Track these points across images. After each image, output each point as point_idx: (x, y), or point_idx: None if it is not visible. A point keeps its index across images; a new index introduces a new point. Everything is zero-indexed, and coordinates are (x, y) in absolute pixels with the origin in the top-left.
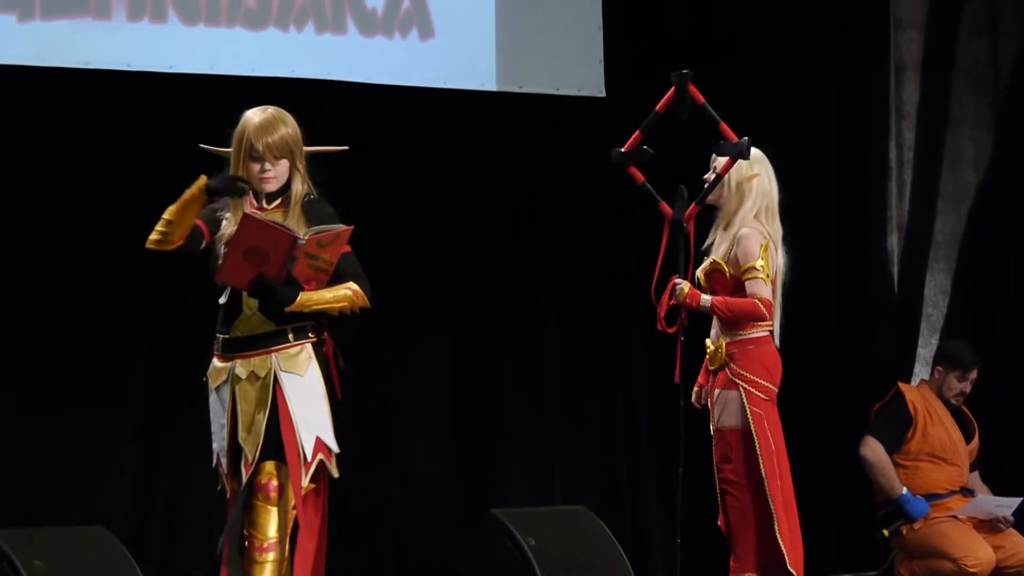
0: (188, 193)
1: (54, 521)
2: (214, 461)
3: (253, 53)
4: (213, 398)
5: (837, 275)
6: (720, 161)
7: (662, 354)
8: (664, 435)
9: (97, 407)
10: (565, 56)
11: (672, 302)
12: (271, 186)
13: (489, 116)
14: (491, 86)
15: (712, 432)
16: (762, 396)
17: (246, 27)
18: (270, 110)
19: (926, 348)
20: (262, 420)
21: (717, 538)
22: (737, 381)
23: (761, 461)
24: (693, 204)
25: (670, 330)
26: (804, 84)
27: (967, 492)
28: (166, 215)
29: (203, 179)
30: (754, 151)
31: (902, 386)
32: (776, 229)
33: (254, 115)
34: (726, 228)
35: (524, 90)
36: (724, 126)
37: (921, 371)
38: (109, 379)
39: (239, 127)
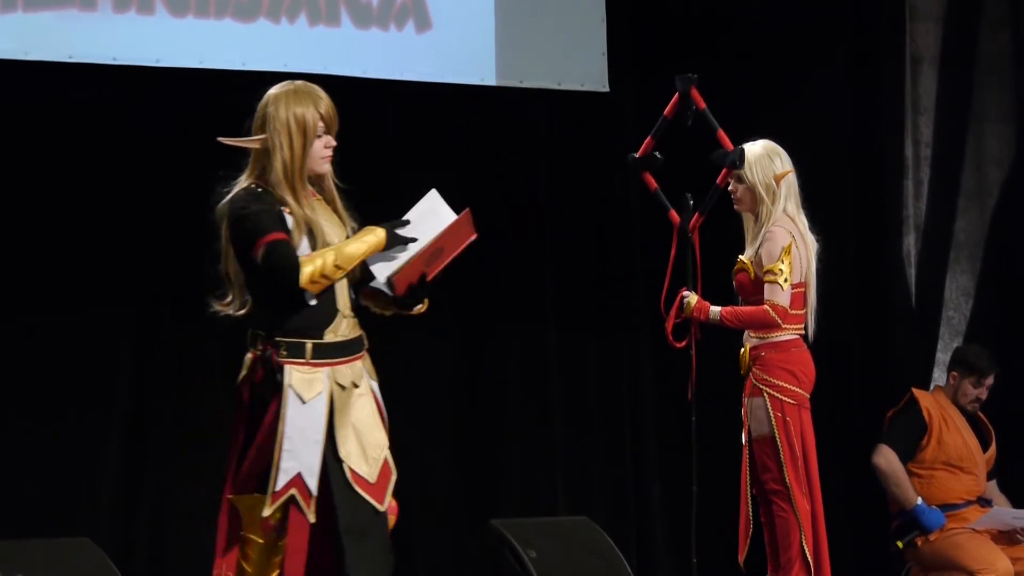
0: (369, 246)
1: (38, 533)
2: (279, 483)
3: (244, 46)
4: (295, 410)
5: (853, 276)
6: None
7: (670, 364)
8: (671, 447)
9: (80, 416)
10: (567, 49)
11: (681, 317)
12: (328, 164)
13: (489, 112)
14: (491, 80)
15: (743, 442)
16: (789, 401)
17: (236, 19)
18: (299, 82)
19: (946, 353)
20: (381, 435)
21: (728, 555)
22: (761, 387)
23: (785, 469)
24: (697, 214)
25: (678, 345)
26: (817, 79)
27: (984, 502)
28: (340, 262)
29: (383, 233)
30: (772, 145)
31: (916, 392)
32: (803, 219)
33: (310, 89)
34: (756, 227)
35: (525, 85)
36: (722, 133)
37: (940, 376)
38: (92, 387)
39: (298, 109)
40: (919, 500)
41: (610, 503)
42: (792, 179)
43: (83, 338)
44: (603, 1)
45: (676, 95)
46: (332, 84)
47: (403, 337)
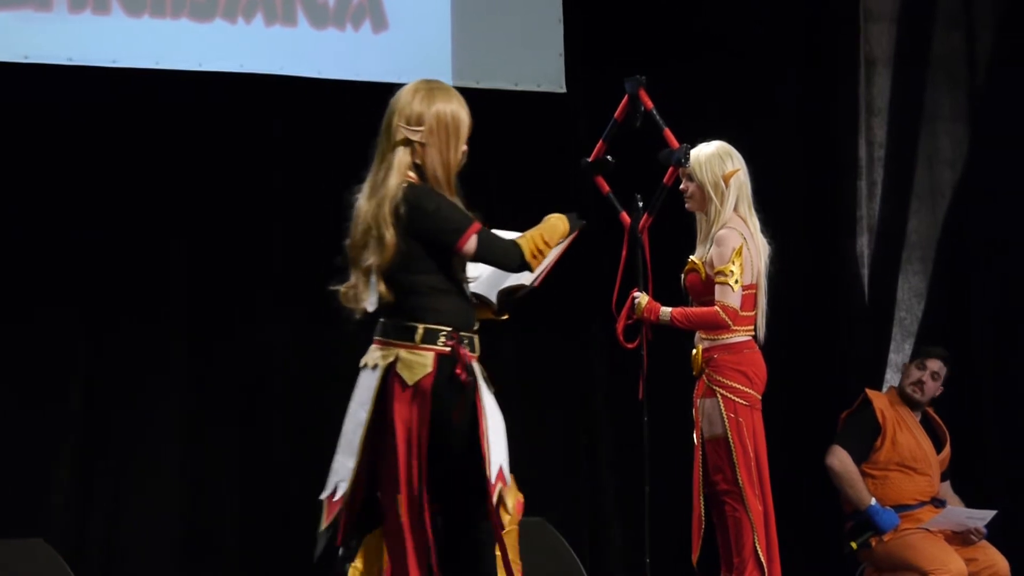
0: (564, 227)
1: None
2: (492, 477)
3: (200, 46)
4: (490, 405)
5: (806, 277)
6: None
7: (625, 366)
8: (624, 447)
9: (33, 417)
10: (524, 50)
11: (632, 318)
12: None
13: None
14: (447, 81)
15: (696, 443)
16: (741, 402)
17: (193, 19)
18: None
19: (899, 354)
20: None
21: (682, 555)
22: (714, 388)
23: (738, 470)
24: (646, 214)
25: (629, 346)
26: (771, 79)
27: (938, 503)
28: (546, 238)
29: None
30: (724, 145)
31: (870, 393)
32: (755, 221)
33: (451, 88)
34: (708, 227)
35: (481, 85)
36: (668, 132)
37: (893, 378)
38: (44, 388)
39: (451, 105)
40: (873, 501)
41: (564, 504)
42: (743, 179)
43: (36, 339)
44: (560, 2)
45: (626, 97)
46: (288, 84)
47: (357, 336)
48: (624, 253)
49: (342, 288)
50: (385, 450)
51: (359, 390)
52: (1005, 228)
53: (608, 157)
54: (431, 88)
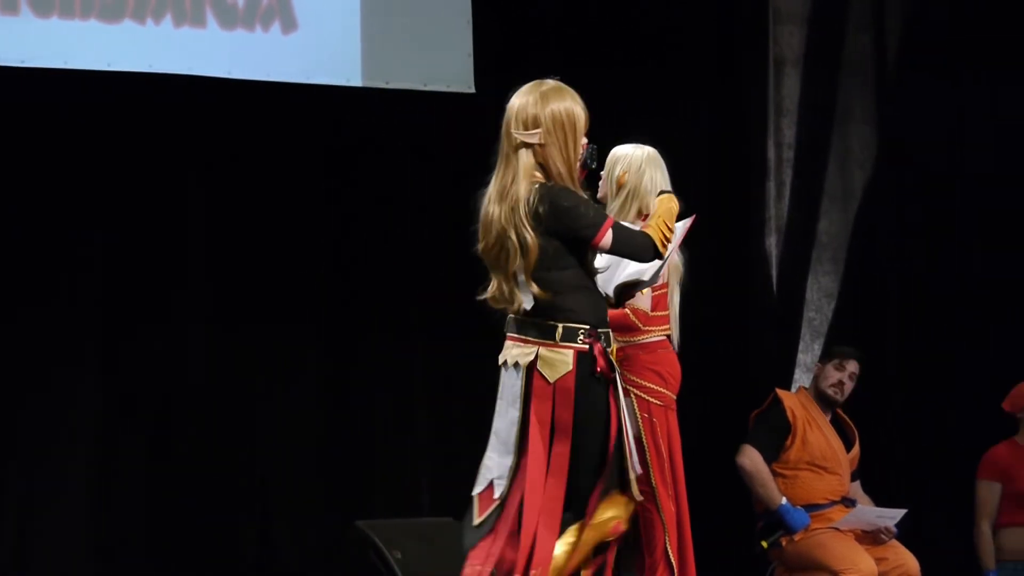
0: (689, 221)
1: None
2: (637, 468)
3: (109, 47)
4: (623, 398)
5: (715, 278)
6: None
7: None
8: None
9: None
10: (433, 50)
11: None
12: None
13: (355, 113)
14: (356, 81)
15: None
16: (656, 402)
17: (102, 19)
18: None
19: (807, 354)
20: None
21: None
22: (628, 387)
23: (651, 470)
24: None
25: None
26: (681, 80)
27: (848, 502)
28: (668, 223)
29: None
30: (648, 150)
31: (780, 392)
32: None
33: (565, 88)
34: None
35: (391, 86)
36: None
37: (802, 377)
38: None
39: (564, 104)
40: (783, 500)
41: None
42: (634, 183)
43: None
44: (470, 2)
45: None
46: (198, 85)
47: (272, 339)
48: None
49: (488, 295)
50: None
51: (505, 388)
52: (915, 228)
53: None
54: (543, 89)
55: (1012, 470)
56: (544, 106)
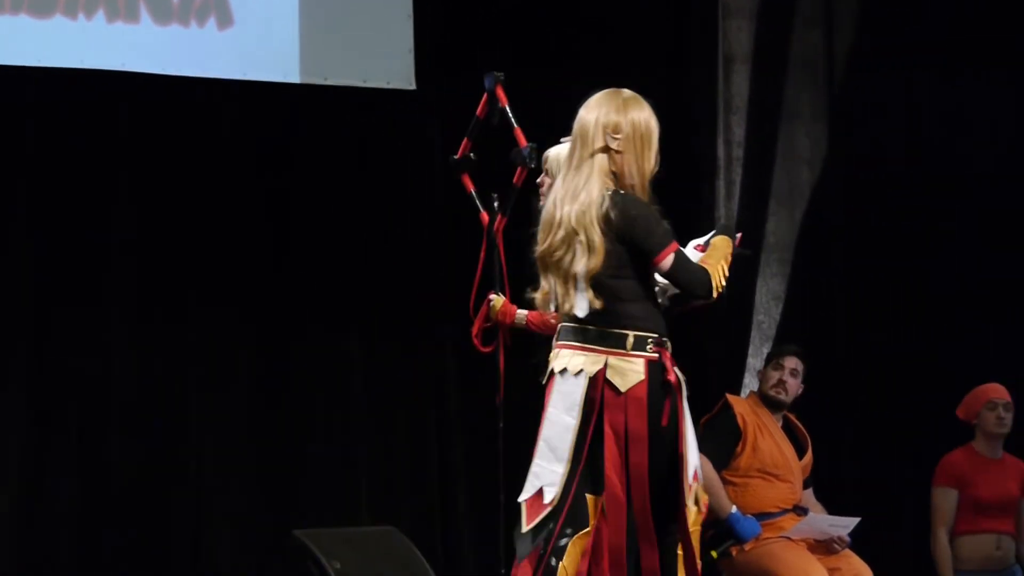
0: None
1: None
2: (690, 477)
3: (40, 42)
4: (687, 407)
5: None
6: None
7: (480, 371)
8: (479, 455)
9: None
10: (373, 46)
11: (488, 322)
12: None
13: (292, 110)
14: (294, 78)
15: None
16: None
17: (32, 14)
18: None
19: (757, 358)
20: None
21: None
22: None
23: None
24: (499, 215)
25: (485, 350)
26: (628, 76)
27: (800, 511)
28: (723, 278)
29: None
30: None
31: (730, 398)
32: None
33: (643, 100)
34: None
35: (329, 82)
36: (518, 131)
37: (752, 382)
38: None
39: (644, 114)
40: (733, 509)
41: (416, 512)
42: None
43: None
44: None
45: (485, 94)
46: (132, 82)
47: (205, 339)
48: (482, 255)
49: (538, 295)
50: (595, 455)
51: (560, 396)
52: (865, 229)
53: (471, 155)
54: (624, 96)
55: (969, 476)
56: (626, 113)
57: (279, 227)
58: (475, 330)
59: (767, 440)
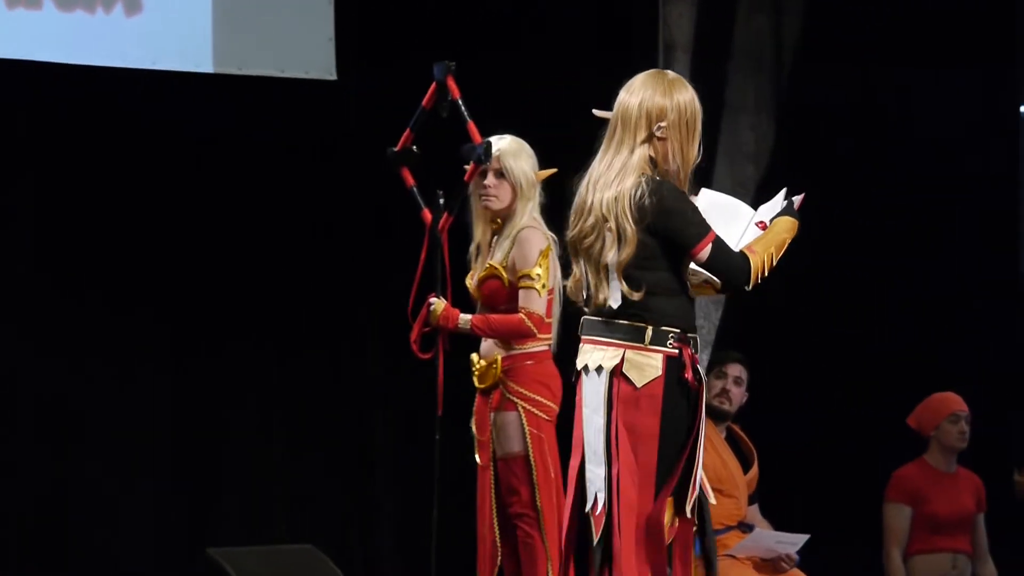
0: (793, 230)
1: None
2: (693, 492)
3: None
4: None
5: None
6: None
7: (406, 381)
8: (404, 469)
9: None
10: (291, 34)
11: (428, 327)
12: None
13: (205, 101)
14: (207, 67)
15: (479, 462)
16: (543, 416)
17: None
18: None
19: None
20: None
21: None
22: (515, 400)
23: (538, 491)
24: (446, 214)
25: (424, 356)
26: (565, 65)
27: (745, 527)
28: (776, 254)
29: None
30: (520, 140)
31: None
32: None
33: (686, 82)
34: (506, 228)
35: (244, 72)
36: (472, 126)
37: None
38: None
39: (688, 96)
40: None
41: (336, 530)
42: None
43: None
44: None
45: (433, 84)
46: (35, 71)
47: (117, 351)
48: (423, 255)
49: (569, 284)
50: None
51: (587, 395)
52: (810, 227)
53: (414, 147)
54: (669, 78)
55: (923, 492)
56: (672, 96)
57: (192, 227)
58: (413, 335)
59: (710, 453)
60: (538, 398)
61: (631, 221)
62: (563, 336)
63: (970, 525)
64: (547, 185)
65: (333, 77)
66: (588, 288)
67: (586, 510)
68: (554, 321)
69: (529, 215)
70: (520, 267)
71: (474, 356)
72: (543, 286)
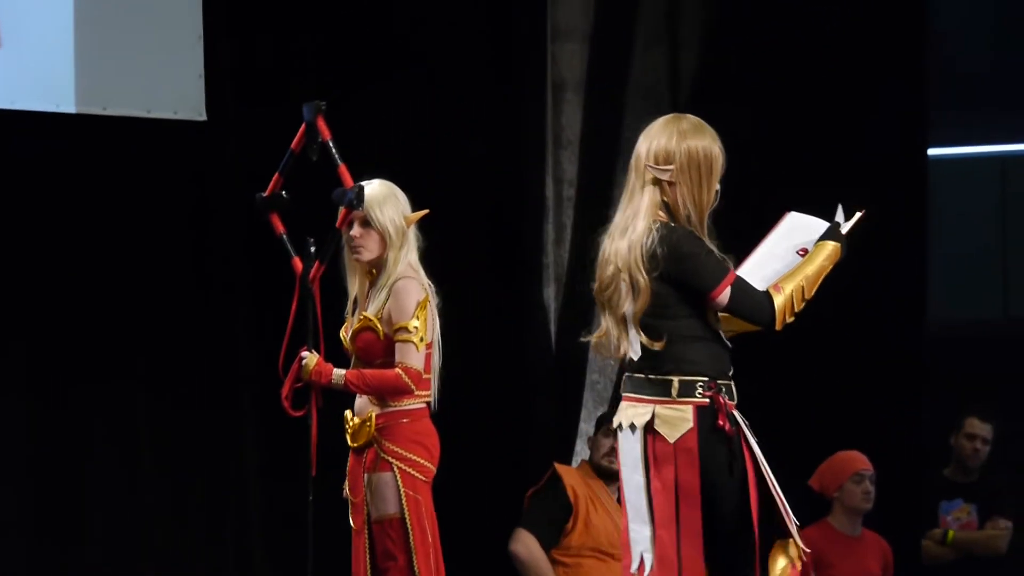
0: (832, 262)
1: None
2: (790, 521)
3: None
4: (758, 452)
5: (484, 335)
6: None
7: (282, 436)
8: (279, 528)
9: None
10: (158, 71)
11: (300, 382)
12: None
13: (67, 143)
14: (69, 107)
15: (353, 526)
16: (420, 477)
17: None
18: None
19: (590, 423)
20: None
21: None
22: (390, 460)
23: (415, 556)
24: (317, 262)
25: (296, 413)
26: (446, 105)
27: None
28: (809, 292)
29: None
30: (390, 184)
31: (559, 468)
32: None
33: (706, 127)
34: (380, 278)
35: (108, 112)
36: (343, 169)
37: (584, 450)
38: None
39: (703, 142)
40: None
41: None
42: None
43: None
44: (200, 17)
45: (303, 125)
46: None
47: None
48: (294, 306)
49: (593, 337)
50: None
51: (624, 454)
52: None
53: (283, 193)
54: (682, 125)
55: (826, 557)
56: (681, 142)
57: (54, 271)
58: (285, 391)
59: (601, 515)
60: (415, 458)
61: (643, 271)
62: (443, 393)
63: None
64: None
65: (203, 117)
66: (613, 341)
67: (632, 571)
68: (433, 376)
69: (404, 263)
70: (396, 319)
71: (347, 413)
72: (421, 339)
